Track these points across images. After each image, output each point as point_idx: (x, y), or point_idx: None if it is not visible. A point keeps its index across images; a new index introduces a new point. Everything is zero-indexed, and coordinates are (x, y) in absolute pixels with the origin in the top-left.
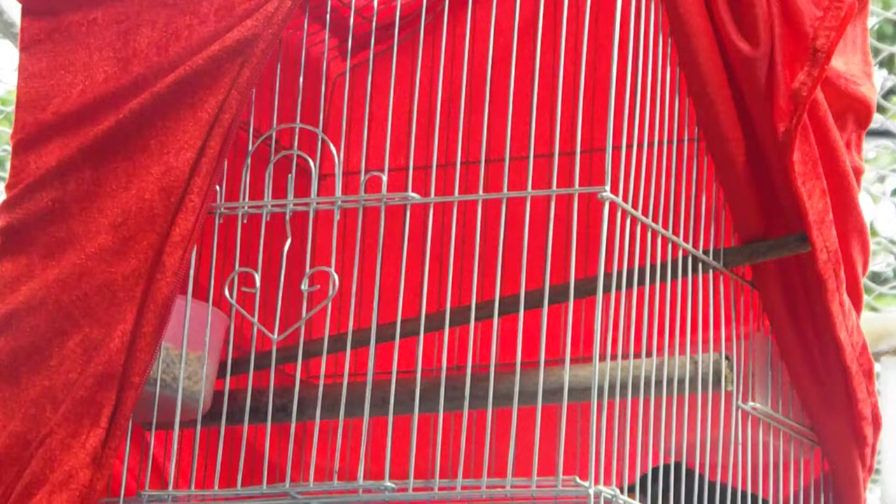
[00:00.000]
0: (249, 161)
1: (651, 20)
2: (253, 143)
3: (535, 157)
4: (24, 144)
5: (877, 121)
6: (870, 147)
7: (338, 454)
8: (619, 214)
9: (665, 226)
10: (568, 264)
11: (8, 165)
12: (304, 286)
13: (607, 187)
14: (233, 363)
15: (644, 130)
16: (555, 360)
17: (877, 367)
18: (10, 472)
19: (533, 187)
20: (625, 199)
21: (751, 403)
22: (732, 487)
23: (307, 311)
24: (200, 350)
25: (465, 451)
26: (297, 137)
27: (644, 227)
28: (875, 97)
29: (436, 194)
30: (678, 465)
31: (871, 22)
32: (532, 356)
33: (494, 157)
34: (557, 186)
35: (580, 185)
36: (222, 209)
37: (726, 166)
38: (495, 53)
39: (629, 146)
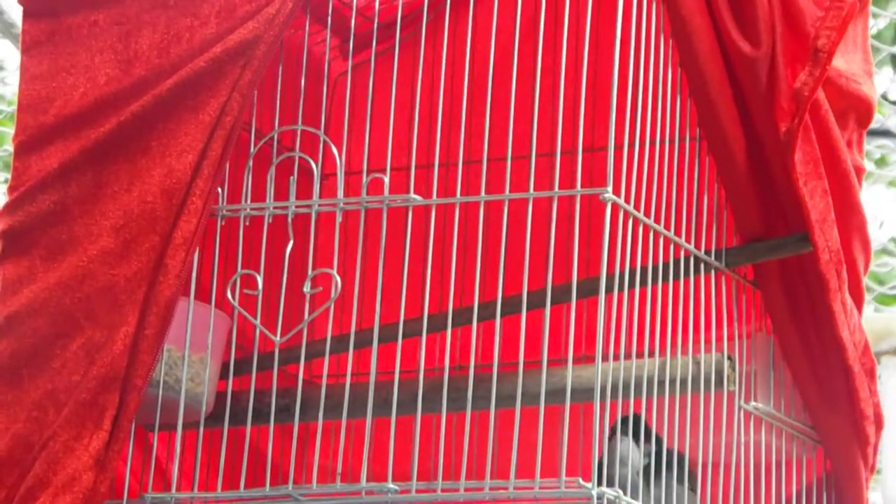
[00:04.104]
0: (251, 164)
1: (652, 20)
2: (254, 145)
3: (536, 156)
4: (25, 147)
5: (877, 121)
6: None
7: (340, 455)
8: (620, 215)
9: (667, 226)
10: (570, 264)
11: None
12: (307, 288)
13: (609, 188)
14: (235, 364)
15: (645, 131)
16: (557, 360)
17: (877, 368)
18: (13, 475)
19: (535, 187)
20: (626, 199)
21: (753, 403)
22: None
23: (309, 312)
24: (203, 352)
25: (467, 452)
26: (298, 138)
27: (646, 228)
28: (876, 96)
29: (437, 194)
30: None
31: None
32: (534, 356)
33: (496, 157)
34: (559, 186)
35: (582, 184)
36: (224, 211)
37: (727, 166)
38: (496, 53)
39: (631, 146)
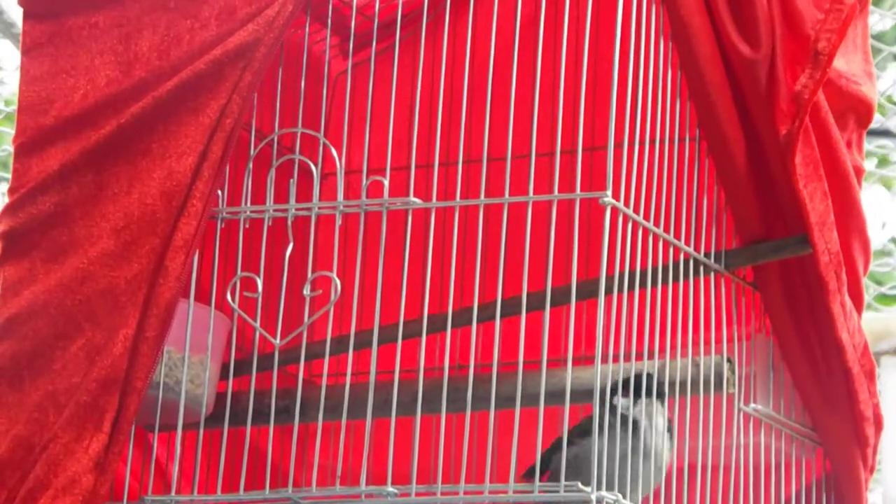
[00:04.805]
0: (251, 166)
1: (652, 22)
2: (255, 146)
3: (536, 156)
4: (26, 148)
5: (877, 121)
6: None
7: (340, 456)
8: (620, 218)
9: (666, 228)
10: (569, 266)
11: (10, 166)
12: (307, 291)
13: (608, 192)
14: (235, 365)
15: (645, 132)
16: (557, 361)
17: (877, 368)
18: (14, 477)
19: (535, 187)
20: (626, 202)
21: (752, 405)
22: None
23: (309, 314)
24: (203, 353)
25: (467, 454)
26: (298, 140)
27: (645, 231)
28: (876, 97)
29: (437, 194)
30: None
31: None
32: (534, 357)
33: (496, 157)
34: (559, 187)
35: (582, 184)
36: (224, 213)
37: (727, 168)
38: (496, 53)
39: (630, 148)
